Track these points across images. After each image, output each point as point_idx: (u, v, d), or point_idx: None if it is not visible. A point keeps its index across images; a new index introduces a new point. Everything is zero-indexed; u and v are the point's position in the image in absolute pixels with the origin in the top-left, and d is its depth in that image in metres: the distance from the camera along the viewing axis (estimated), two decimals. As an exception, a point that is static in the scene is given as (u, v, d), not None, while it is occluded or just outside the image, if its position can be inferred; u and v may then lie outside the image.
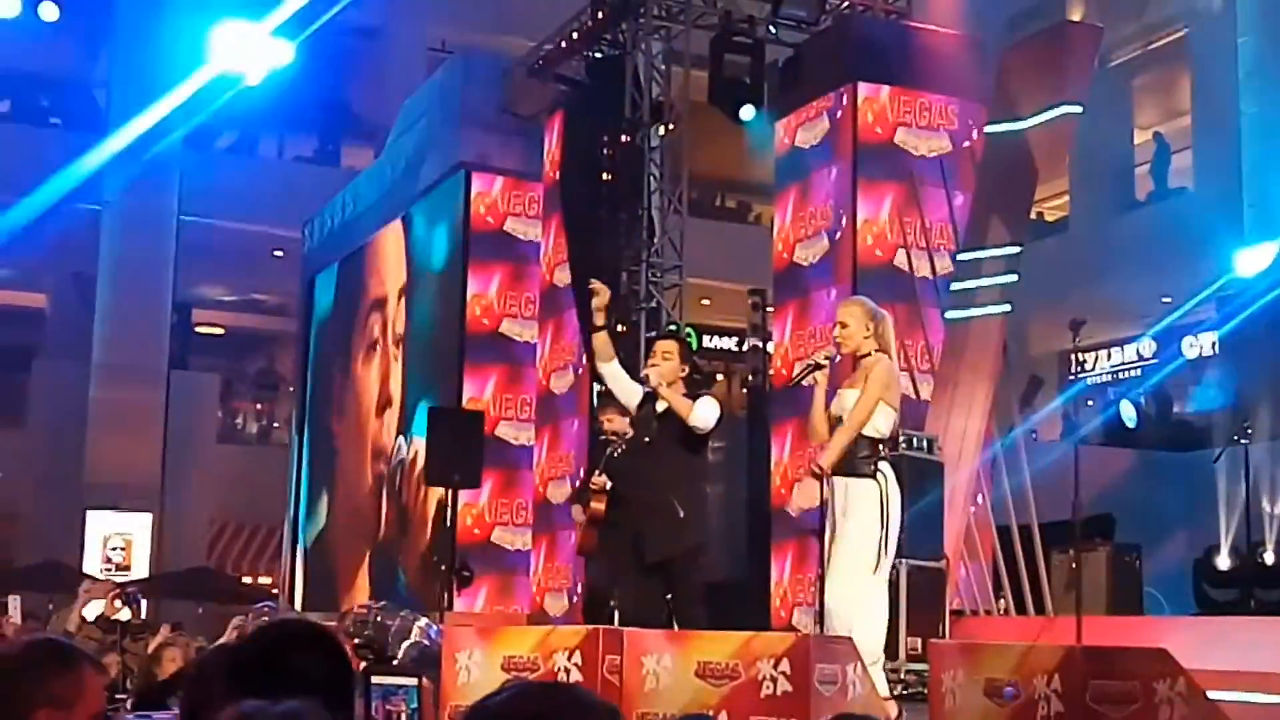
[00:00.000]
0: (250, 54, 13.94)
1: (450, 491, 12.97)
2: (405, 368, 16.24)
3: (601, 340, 7.06)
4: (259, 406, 26.08)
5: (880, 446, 6.37)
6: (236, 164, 22.86)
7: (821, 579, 6.55)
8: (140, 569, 19.77)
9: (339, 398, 18.25)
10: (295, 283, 20.71)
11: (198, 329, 25.17)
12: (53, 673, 2.70)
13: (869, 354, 6.55)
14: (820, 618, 6.45)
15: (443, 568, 12.43)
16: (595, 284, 6.97)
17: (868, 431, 6.34)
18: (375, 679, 2.48)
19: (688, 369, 7.07)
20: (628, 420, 7.46)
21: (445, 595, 11.82)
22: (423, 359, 15.73)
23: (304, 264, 20.16)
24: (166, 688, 8.42)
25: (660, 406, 6.99)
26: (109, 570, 19.49)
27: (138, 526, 20.22)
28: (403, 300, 16.53)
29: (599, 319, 6.99)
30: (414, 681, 2.47)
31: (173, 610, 16.09)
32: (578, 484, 8.89)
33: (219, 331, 26.13)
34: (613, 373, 7.10)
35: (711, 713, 5.22)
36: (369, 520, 16.68)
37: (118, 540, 20.13)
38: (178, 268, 21.14)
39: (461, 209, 14.54)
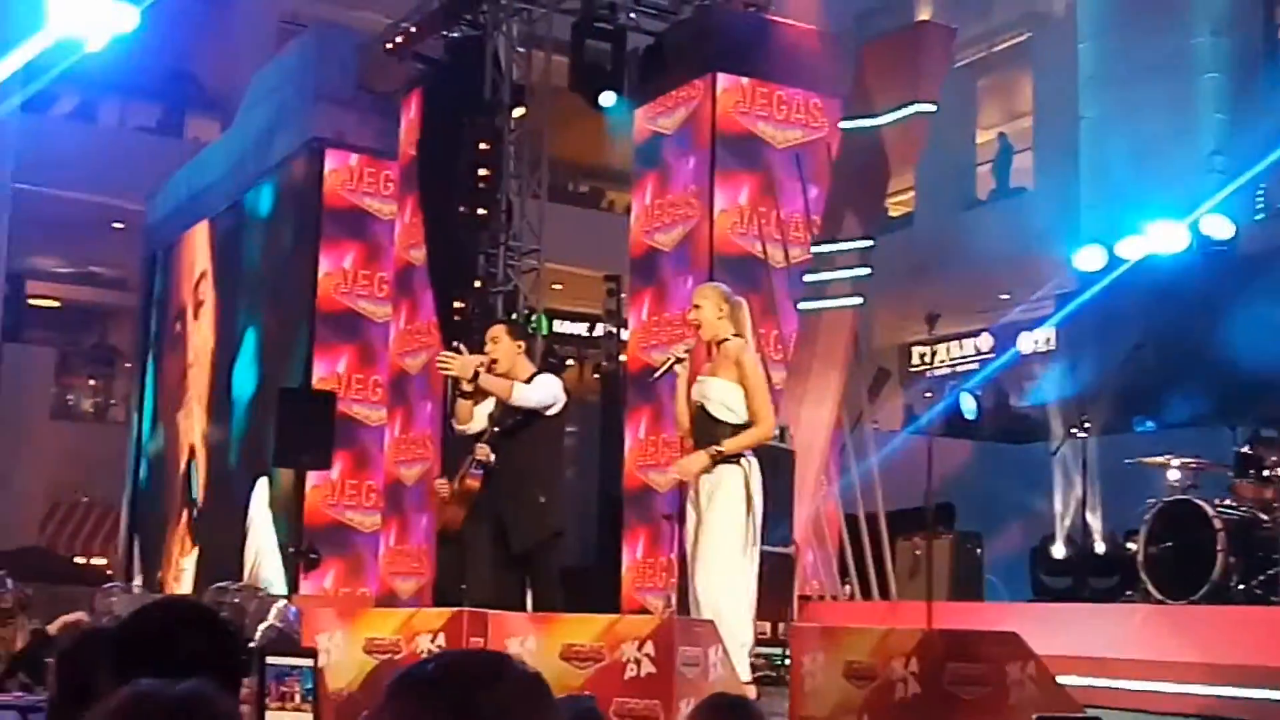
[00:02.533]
0: (92, 18, 13.51)
1: (298, 473, 12.84)
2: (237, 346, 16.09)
3: (465, 407, 7.01)
4: (94, 382, 25.35)
5: (739, 431, 6.44)
6: (76, 132, 22.17)
7: (682, 563, 6.63)
8: (-34, 548, 19.11)
9: (172, 376, 17.96)
10: (135, 256, 20.18)
11: (31, 301, 24.36)
12: None
13: (726, 338, 6.59)
14: (680, 601, 6.53)
15: (290, 550, 12.27)
16: (460, 355, 6.93)
17: (726, 416, 6.41)
18: (270, 659, 2.46)
19: (522, 345, 7.08)
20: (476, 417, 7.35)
21: (293, 577, 11.64)
22: (264, 339, 15.49)
23: (146, 237, 19.66)
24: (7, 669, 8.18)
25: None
26: (-67, 549, 18.82)
27: (-36, 504, 19.56)
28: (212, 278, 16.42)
29: (468, 386, 6.89)
30: (309, 661, 2.46)
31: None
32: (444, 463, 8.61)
33: (54, 304, 25.33)
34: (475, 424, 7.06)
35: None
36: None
37: (-58, 518, 19.44)
38: (11, 238, 20.42)
39: (315, 185, 14.33)
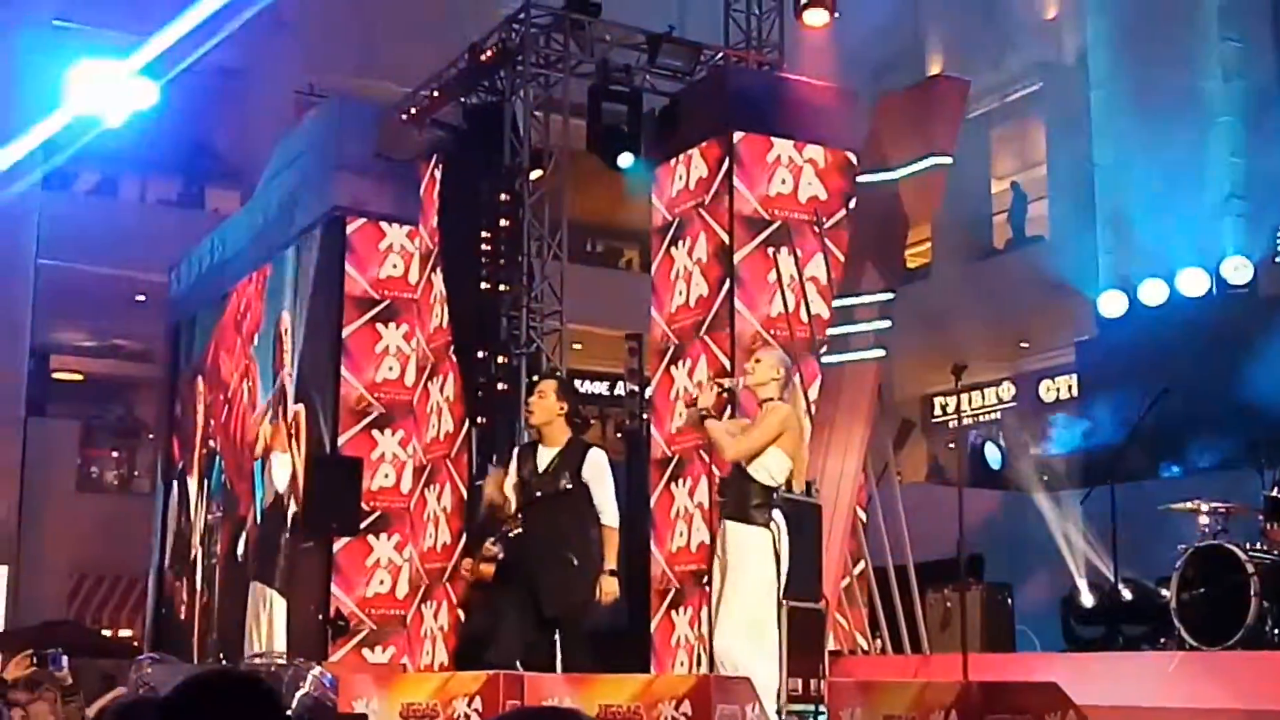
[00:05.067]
0: (110, 95, 13.66)
1: (326, 540, 12.86)
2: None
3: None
4: (118, 455, 25.44)
5: (773, 494, 6.48)
6: (97, 207, 22.40)
7: (710, 622, 6.64)
8: (-5, 623, 19.14)
9: (203, 442, 18.02)
10: (159, 328, 20.32)
11: (56, 375, 24.51)
12: None
13: (771, 399, 6.72)
14: (710, 660, 6.53)
15: (319, 617, 12.27)
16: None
17: (762, 478, 6.45)
18: (318, 726, 2.48)
19: (565, 406, 7.13)
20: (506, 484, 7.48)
21: (324, 645, 11.64)
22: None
23: (169, 309, 19.80)
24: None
25: (543, 460, 7.07)
26: (-39, 625, 18.86)
27: (-8, 579, 19.59)
28: (254, 342, 16.38)
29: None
30: (356, 728, 2.47)
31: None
32: (467, 539, 8.80)
33: (78, 378, 25.47)
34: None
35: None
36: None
37: (-29, 594, 19.47)
38: (36, 313, 20.62)
39: (336, 254, 14.41)
